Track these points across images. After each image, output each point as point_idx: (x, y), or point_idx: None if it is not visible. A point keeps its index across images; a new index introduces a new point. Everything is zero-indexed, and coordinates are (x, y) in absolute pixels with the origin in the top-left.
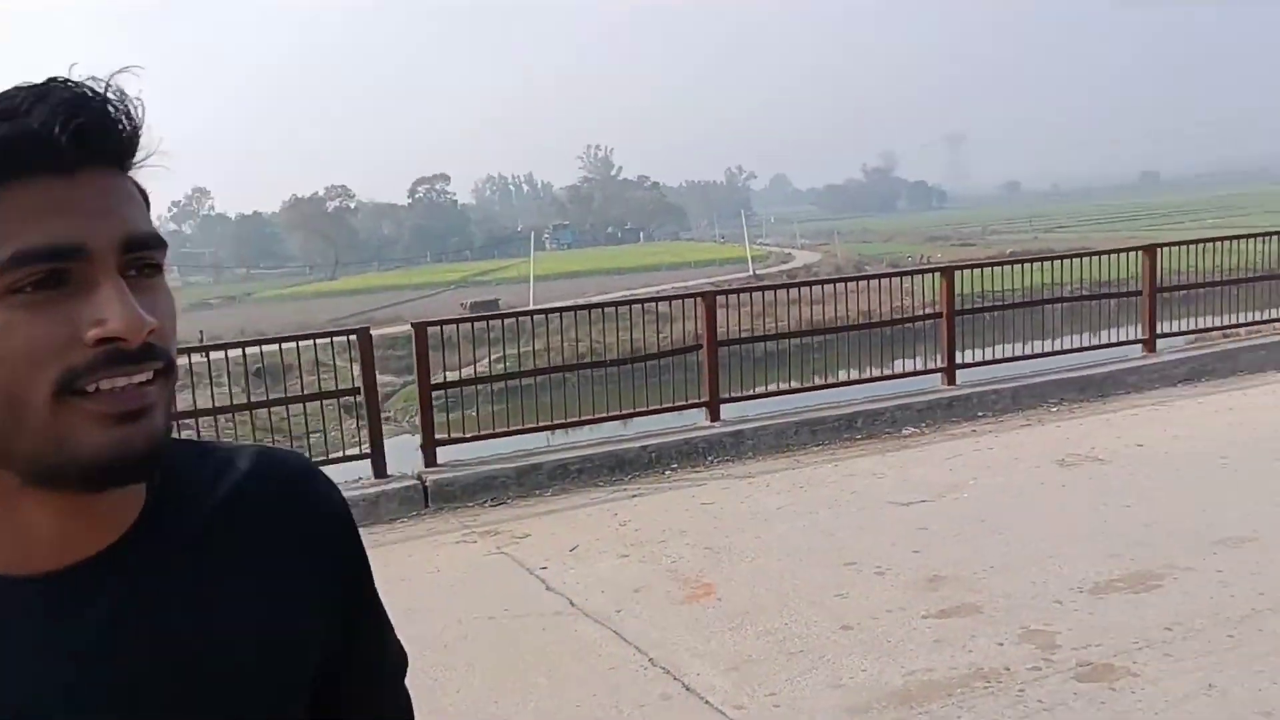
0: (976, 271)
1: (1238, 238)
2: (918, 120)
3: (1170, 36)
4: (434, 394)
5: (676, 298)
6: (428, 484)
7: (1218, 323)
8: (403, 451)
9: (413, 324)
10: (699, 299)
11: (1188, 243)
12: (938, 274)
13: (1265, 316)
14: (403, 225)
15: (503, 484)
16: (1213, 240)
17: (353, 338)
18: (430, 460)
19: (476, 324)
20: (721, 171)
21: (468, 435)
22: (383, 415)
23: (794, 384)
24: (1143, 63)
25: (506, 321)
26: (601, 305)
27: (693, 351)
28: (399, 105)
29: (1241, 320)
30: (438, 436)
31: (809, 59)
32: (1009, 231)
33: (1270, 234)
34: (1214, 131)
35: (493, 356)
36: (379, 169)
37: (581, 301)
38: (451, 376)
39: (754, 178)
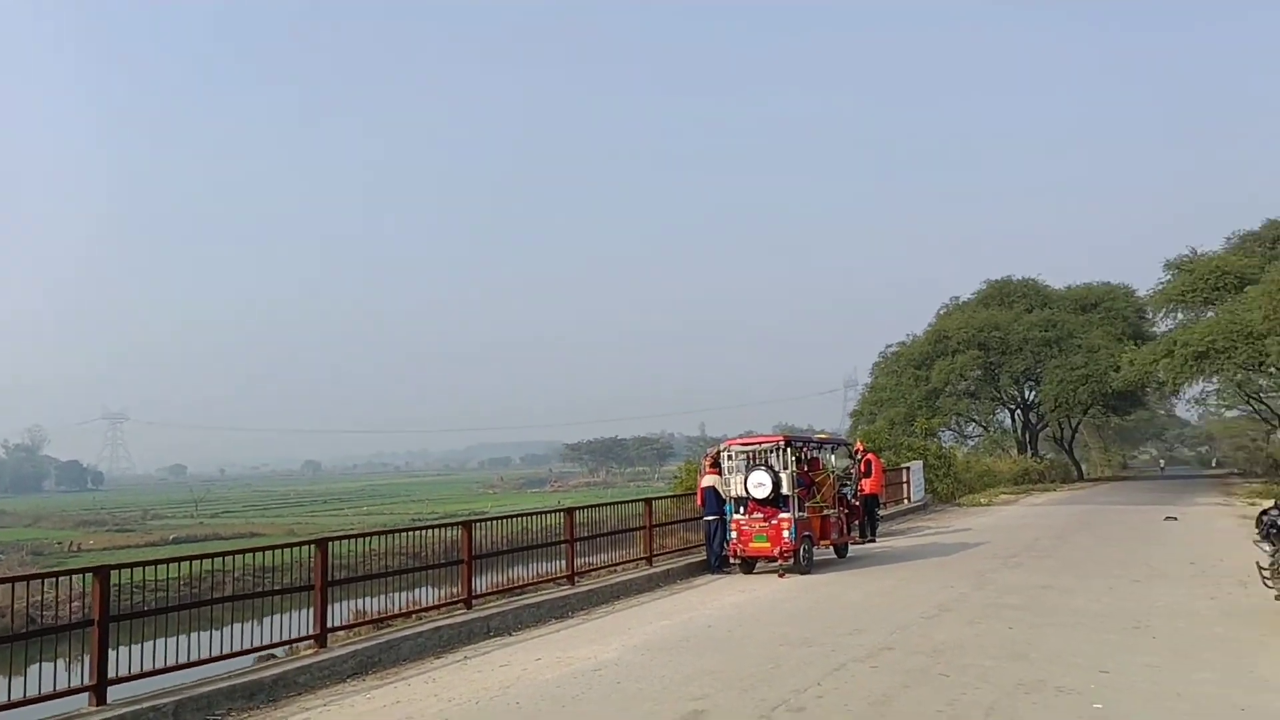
0: (137, 565)
1: (400, 530)
2: (73, 396)
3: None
4: None
5: None
6: None
7: (383, 611)
8: None
9: None
10: None
11: (356, 535)
12: (89, 575)
13: (424, 604)
14: None
15: None
16: (380, 533)
17: None
18: None
19: None
20: None
21: None
22: None
23: None
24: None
25: None
26: None
27: None
28: None
29: (403, 609)
30: None
31: None
32: (173, 516)
33: (431, 526)
34: (369, 430)
35: None
36: None
37: None
38: None
39: None
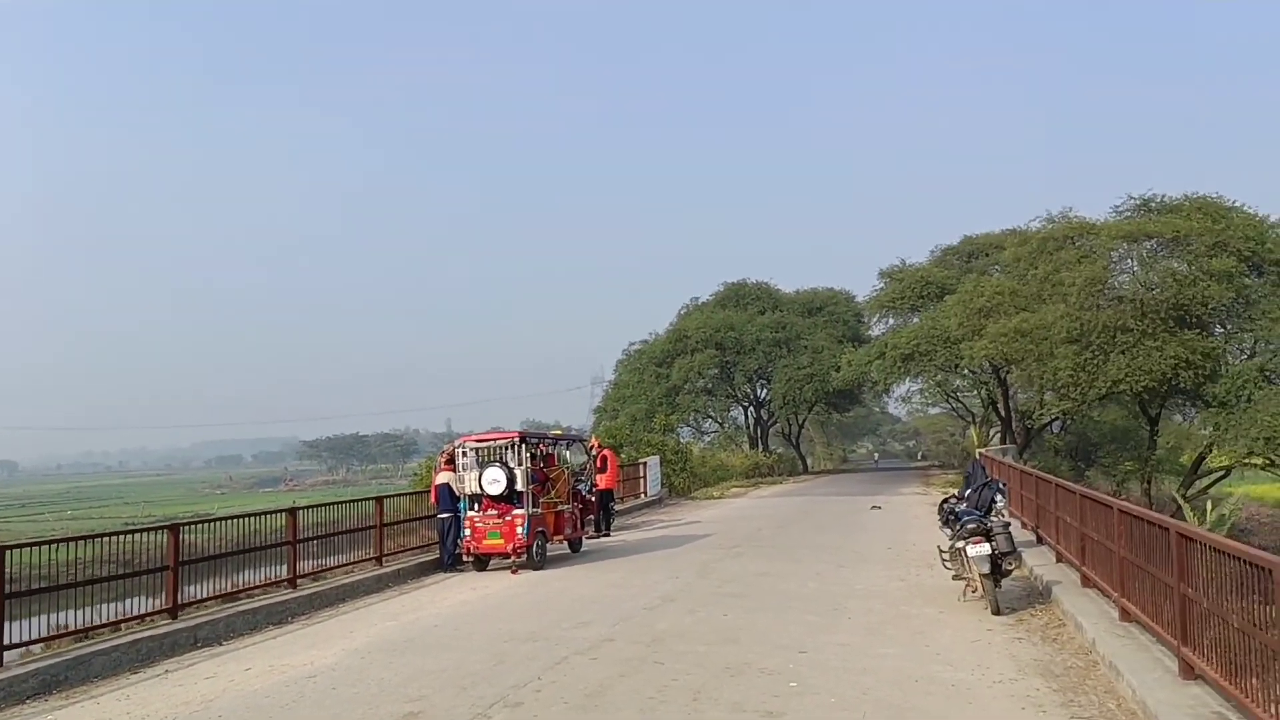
0: None
1: (95, 536)
2: None
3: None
4: None
5: None
6: None
7: (78, 625)
8: None
9: None
10: None
11: (43, 542)
12: None
13: (127, 615)
14: None
15: None
16: (70, 539)
17: None
18: None
19: None
20: None
21: None
22: None
23: None
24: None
25: None
26: None
27: None
28: None
29: (102, 621)
30: None
31: None
32: None
33: (134, 531)
34: (75, 428)
35: None
36: None
37: None
38: None
39: None
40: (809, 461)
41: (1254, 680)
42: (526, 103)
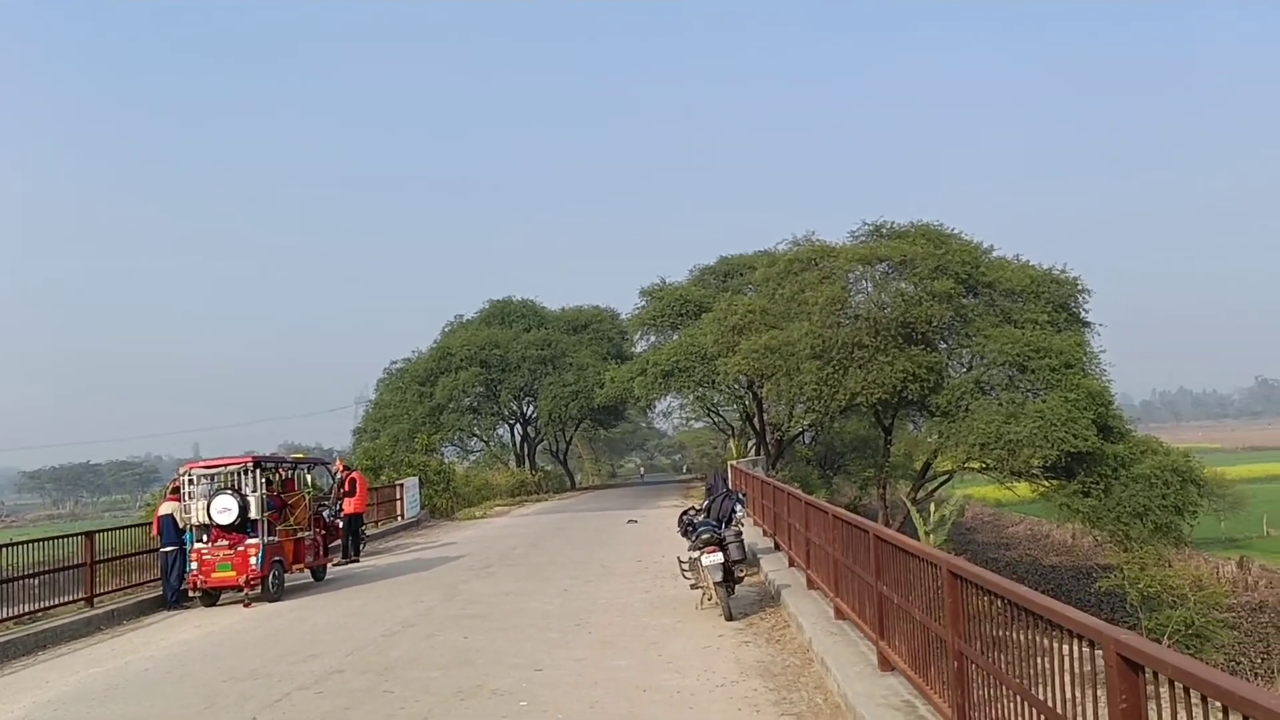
0: None
1: None
2: None
3: None
4: None
5: None
6: None
7: None
8: None
9: None
10: None
11: None
12: None
13: None
14: None
15: None
16: None
17: None
18: None
19: None
20: None
21: None
22: None
23: None
24: None
25: None
26: None
27: None
28: None
29: None
30: None
31: None
32: None
33: None
34: None
35: None
36: None
37: None
38: None
39: None
40: (577, 478)
41: (932, 669)
42: (282, 106)
